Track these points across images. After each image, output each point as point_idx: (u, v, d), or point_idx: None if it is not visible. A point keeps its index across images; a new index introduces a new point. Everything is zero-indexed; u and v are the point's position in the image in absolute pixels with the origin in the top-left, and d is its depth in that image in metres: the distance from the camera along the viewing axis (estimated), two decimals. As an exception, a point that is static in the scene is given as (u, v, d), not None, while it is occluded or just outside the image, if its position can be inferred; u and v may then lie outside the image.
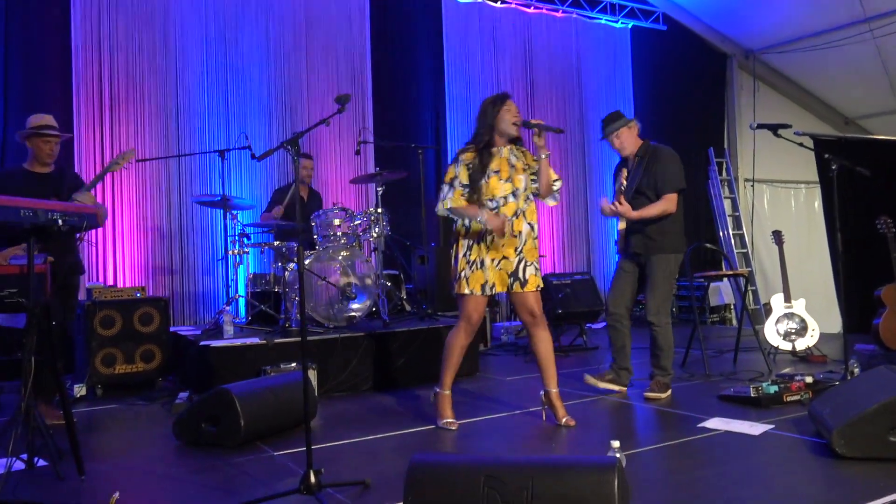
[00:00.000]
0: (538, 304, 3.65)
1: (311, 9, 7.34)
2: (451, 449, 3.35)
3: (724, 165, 9.98)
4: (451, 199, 3.56)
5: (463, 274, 3.57)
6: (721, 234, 9.75)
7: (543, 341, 3.65)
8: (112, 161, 4.16)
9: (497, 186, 3.56)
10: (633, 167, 4.29)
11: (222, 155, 5.70)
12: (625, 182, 4.18)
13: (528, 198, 3.63)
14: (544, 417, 3.74)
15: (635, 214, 4.16)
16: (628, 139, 4.33)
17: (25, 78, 5.98)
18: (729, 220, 9.79)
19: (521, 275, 3.59)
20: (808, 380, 4.04)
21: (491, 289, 3.57)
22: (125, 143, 6.37)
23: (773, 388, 3.90)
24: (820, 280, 8.06)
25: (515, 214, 3.57)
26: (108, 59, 6.34)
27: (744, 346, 5.50)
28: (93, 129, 6.23)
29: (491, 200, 3.55)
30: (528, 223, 3.61)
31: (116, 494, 2.52)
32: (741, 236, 9.82)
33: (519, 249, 3.59)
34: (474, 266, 3.56)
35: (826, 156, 4.36)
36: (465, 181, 3.57)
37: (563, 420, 3.61)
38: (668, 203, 4.19)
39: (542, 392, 3.72)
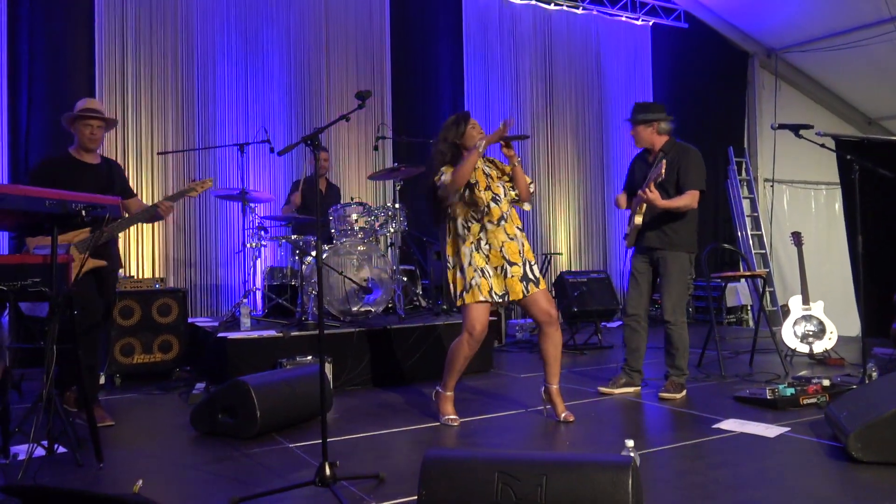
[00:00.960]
0: (551, 303, 3.69)
1: (332, 3, 7.36)
2: (465, 445, 3.36)
3: (744, 165, 9.90)
4: (446, 173, 3.53)
5: (473, 282, 3.55)
6: (739, 234, 9.67)
7: (555, 340, 3.68)
8: (188, 187, 4.13)
9: (479, 197, 3.60)
10: (655, 161, 4.27)
11: (242, 149, 5.74)
12: (663, 173, 4.16)
13: (509, 204, 3.68)
14: (545, 414, 3.77)
15: (663, 203, 4.15)
16: (642, 135, 4.39)
17: (49, 71, 6.05)
18: (748, 220, 9.71)
19: (531, 275, 3.62)
20: (825, 383, 4.01)
21: (502, 297, 3.57)
22: (146, 135, 6.44)
23: (790, 391, 3.88)
24: (839, 282, 7.99)
25: (503, 218, 3.61)
26: (131, 53, 6.41)
27: (760, 347, 5.46)
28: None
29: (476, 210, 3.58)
30: (517, 227, 3.67)
31: (140, 482, 2.55)
32: (760, 237, 9.73)
33: (521, 252, 3.62)
34: (479, 273, 3.56)
35: (848, 157, 4.32)
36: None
37: (563, 416, 3.65)
38: (692, 198, 4.19)
39: (542, 388, 3.76)
